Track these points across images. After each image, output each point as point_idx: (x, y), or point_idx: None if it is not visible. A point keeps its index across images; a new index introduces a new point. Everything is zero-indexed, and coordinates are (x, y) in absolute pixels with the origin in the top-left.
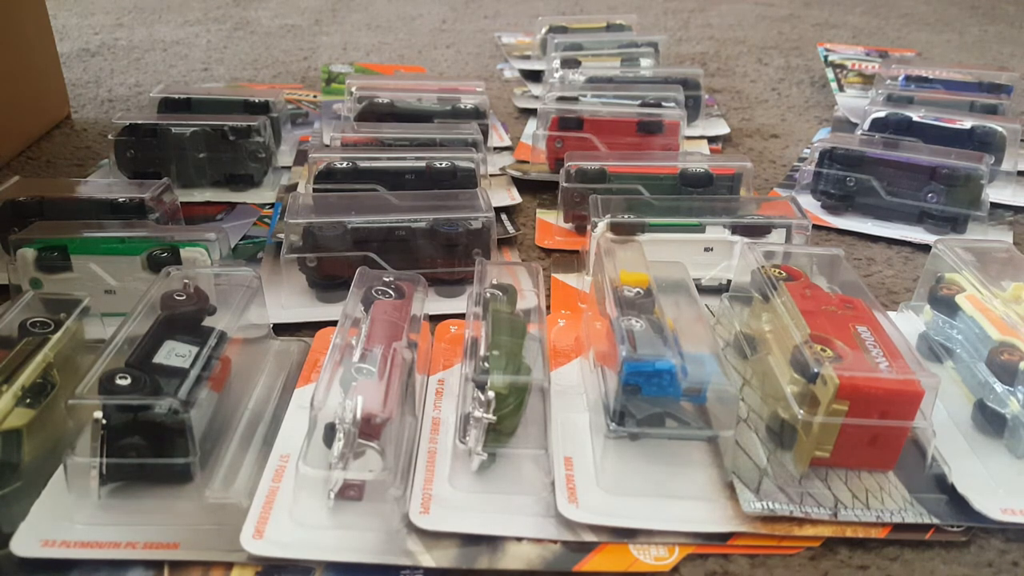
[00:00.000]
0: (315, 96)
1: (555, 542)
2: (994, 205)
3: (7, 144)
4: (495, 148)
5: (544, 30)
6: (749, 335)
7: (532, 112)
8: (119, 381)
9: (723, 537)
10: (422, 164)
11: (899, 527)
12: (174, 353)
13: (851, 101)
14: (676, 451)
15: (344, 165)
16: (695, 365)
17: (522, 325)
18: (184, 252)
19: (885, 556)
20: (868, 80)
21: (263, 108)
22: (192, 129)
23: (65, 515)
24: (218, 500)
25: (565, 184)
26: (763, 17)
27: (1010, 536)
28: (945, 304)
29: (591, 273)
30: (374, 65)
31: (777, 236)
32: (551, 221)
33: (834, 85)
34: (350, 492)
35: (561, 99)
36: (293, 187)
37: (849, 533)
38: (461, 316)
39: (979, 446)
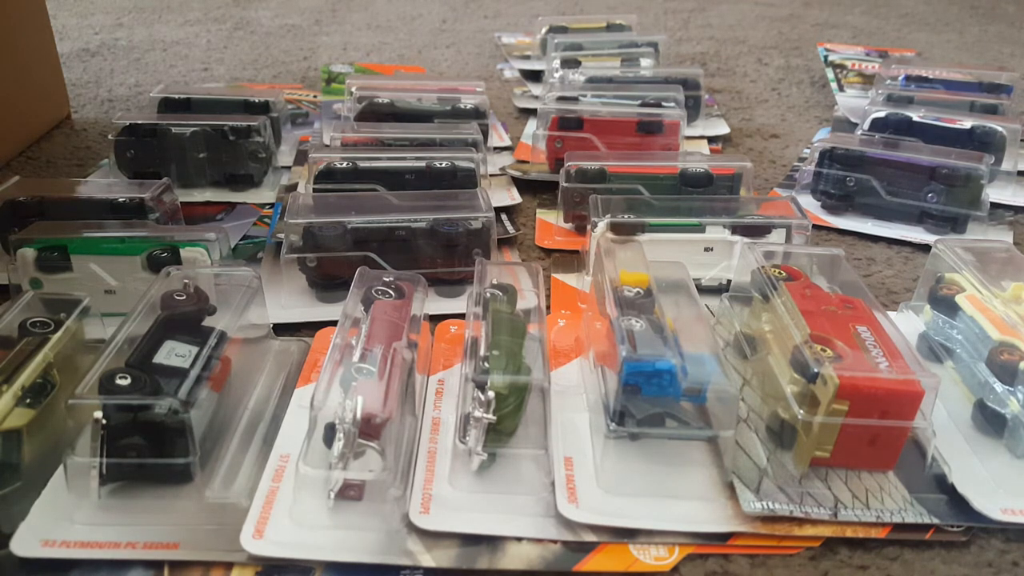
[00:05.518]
0: (315, 96)
1: (555, 542)
2: (994, 205)
3: (7, 144)
4: (495, 148)
5: (544, 30)
6: (749, 335)
7: (532, 112)
8: (119, 381)
9: (723, 537)
10: (422, 164)
11: (899, 527)
12: (174, 353)
13: (851, 101)
14: (676, 451)
15: (344, 165)
16: (695, 365)
17: (522, 325)
18: (184, 252)
19: (885, 556)
20: (868, 80)
21: (263, 108)
22: (192, 129)
23: (65, 515)
24: (218, 500)
25: (565, 184)
26: (763, 17)
27: (1010, 536)
28: (945, 304)
29: (591, 273)
30: (374, 65)
31: (777, 236)
32: (551, 221)
33: (834, 85)
34: (350, 492)
35: (561, 99)
36: (293, 187)
37: (849, 533)
38: (461, 316)
39: (979, 446)
